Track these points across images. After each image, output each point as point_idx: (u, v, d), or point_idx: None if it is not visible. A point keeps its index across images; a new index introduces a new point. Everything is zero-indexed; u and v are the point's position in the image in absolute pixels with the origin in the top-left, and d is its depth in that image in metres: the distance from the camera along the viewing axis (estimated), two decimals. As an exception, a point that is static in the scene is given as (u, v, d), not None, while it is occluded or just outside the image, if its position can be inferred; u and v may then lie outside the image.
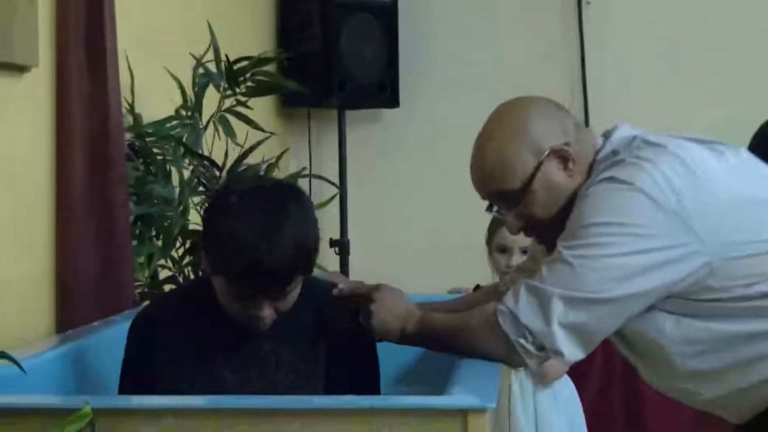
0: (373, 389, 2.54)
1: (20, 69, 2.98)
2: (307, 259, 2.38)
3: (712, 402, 2.41)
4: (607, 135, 2.43)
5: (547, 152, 2.36)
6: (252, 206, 2.34)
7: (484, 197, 2.45)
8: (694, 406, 2.48)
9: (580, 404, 3.68)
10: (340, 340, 2.51)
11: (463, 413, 1.98)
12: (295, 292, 2.40)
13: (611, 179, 2.29)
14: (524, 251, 3.40)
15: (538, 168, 2.36)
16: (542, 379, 3.51)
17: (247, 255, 2.29)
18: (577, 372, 3.55)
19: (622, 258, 2.23)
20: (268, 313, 2.38)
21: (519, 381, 3.50)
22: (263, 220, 2.31)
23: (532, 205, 2.38)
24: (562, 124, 2.41)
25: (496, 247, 3.57)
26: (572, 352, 2.26)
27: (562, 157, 2.37)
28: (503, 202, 2.41)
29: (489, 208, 2.46)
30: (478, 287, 3.27)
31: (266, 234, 2.30)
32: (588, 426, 3.68)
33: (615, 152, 2.36)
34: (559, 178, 2.37)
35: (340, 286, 2.53)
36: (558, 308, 2.22)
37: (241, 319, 2.42)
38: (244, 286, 2.35)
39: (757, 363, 2.30)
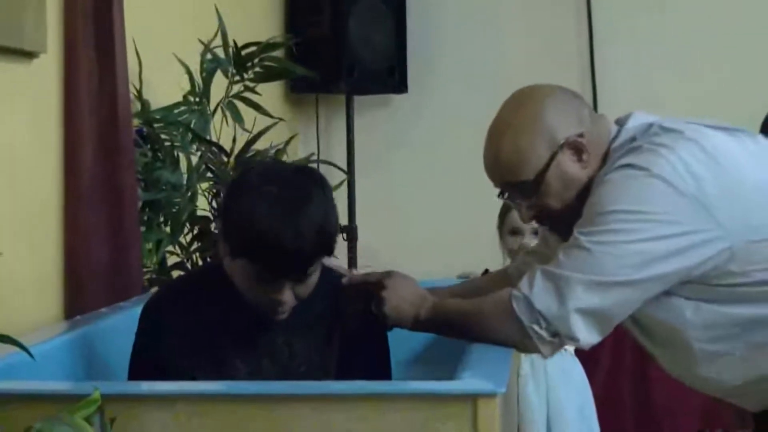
0: (385, 376, 2.53)
1: (29, 55, 2.97)
2: (329, 241, 2.37)
3: (731, 390, 2.40)
4: (620, 122, 2.40)
5: (561, 144, 2.34)
6: (274, 189, 2.33)
7: (496, 186, 2.43)
8: (714, 395, 2.46)
9: (590, 389, 3.67)
10: (352, 328, 2.50)
11: (473, 398, 1.97)
12: (315, 275, 2.39)
13: (629, 166, 2.27)
14: (535, 232, 3.42)
15: (552, 159, 2.33)
16: None
17: (270, 236, 2.28)
18: (587, 357, 3.55)
19: (641, 244, 2.21)
20: (288, 297, 2.37)
21: (530, 361, 3.50)
22: (286, 203, 2.31)
23: (545, 196, 2.36)
24: (577, 113, 2.38)
25: (508, 230, 3.59)
26: (588, 336, 2.24)
27: (576, 148, 2.34)
28: (516, 192, 2.39)
29: (501, 195, 2.45)
30: (486, 272, 3.26)
31: (289, 216, 2.29)
32: (598, 411, 3.68)
33: (632, 139, 2.34)
34: (572, 170, 2.35)
35: (352, 273, 2.52)
36: (575, 293, 2.21)
37: (261, 303, 2.40)
38: (266, 269, 2.34)
39: None
